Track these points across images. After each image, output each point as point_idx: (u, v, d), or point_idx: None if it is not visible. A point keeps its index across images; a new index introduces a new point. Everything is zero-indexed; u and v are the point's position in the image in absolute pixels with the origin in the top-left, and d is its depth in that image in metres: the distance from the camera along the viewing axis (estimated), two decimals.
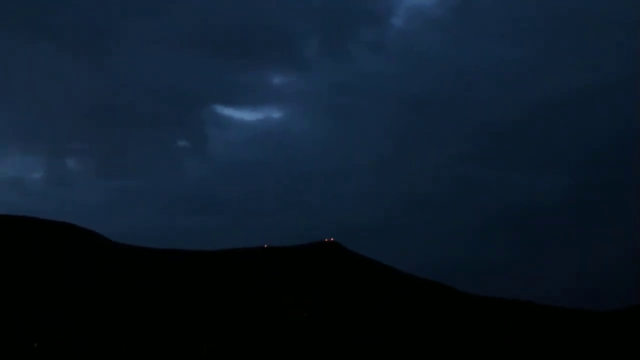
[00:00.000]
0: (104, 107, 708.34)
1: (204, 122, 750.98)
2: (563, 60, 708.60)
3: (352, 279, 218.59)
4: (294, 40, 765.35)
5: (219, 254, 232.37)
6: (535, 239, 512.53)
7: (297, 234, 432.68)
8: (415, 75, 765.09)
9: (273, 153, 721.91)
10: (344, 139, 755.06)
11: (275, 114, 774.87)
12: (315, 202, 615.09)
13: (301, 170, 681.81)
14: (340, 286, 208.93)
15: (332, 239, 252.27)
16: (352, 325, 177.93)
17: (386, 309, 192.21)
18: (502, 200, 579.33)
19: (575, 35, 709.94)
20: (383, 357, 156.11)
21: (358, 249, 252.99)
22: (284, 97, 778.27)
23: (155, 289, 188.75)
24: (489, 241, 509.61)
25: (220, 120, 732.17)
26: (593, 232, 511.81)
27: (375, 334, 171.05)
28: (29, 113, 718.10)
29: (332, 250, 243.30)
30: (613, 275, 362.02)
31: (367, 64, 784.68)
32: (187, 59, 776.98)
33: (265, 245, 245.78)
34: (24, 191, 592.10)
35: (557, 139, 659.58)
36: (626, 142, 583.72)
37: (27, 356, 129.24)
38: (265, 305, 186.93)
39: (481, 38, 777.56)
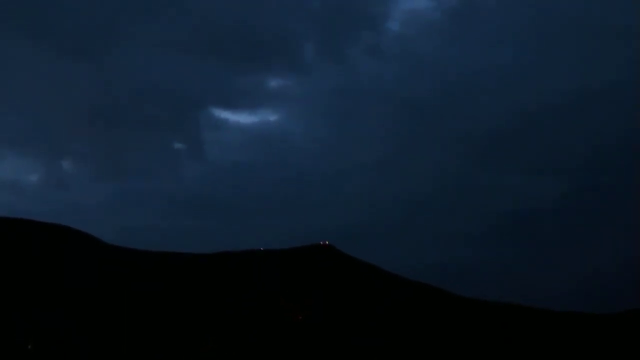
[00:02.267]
0: (101, 110, 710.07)
1: (201, 125, 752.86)
2: (562, 64, 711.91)
3: (346, 283, 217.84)
4: (292, 44, 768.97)
5: (215, 257, 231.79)
6: (534, 242, 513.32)
7: (294, 236, 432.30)
8: (412, 78, 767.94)
9: (270, 156, 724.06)
10: (340, 141, 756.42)
11: (272, 116, 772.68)
12: (312, 205, 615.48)
13: (298, 173, 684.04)
14: (335, 290, 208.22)
15: (327, 242, 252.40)
16: (347, 328, 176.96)
17: (380, 314, 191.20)
18: (501, 204, 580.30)
19: (573, 39, 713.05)
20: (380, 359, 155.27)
21: (356, 251, 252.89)
22: (281, 100, 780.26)
23: (153, 293, 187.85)
24: (489, 244, 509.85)
25: (217, 123, 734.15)
26: (593, 235, 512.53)
27: (370, 340, 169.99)
28: (26, 115, 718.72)
29: (327, 254, 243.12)
30: (612, 278, 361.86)
31: (364, 67, 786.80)
32: (184, 61, 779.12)
33: (262, 248, 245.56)
34: (21, 193, 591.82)
35: (557, 142, 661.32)
36: (625, 146, 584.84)
37: (26, 356, 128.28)
38: (264, 307, 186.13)
39: (478, 41, 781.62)
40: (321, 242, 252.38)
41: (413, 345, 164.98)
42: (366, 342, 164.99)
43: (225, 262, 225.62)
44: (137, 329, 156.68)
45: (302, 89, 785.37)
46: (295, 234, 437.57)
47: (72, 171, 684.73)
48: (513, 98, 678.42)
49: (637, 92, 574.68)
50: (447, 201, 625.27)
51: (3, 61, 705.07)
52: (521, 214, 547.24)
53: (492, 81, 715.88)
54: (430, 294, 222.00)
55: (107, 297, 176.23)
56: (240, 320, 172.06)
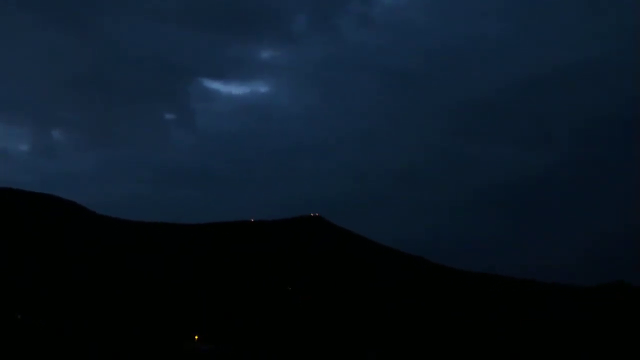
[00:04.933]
0: (91, 79, 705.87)
1: (192, 95, 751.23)
2: (551, 36, 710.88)
3: (335, 253, 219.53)
4: (283, 15, 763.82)
5: (206, 227, 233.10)
6: (522, 214, 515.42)
7: (282, 207, 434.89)
8: (401, 49, 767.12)
9: (260, 126, 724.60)
10: (330, 112, 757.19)
11: (263, 87, 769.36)
12: (302, 175, 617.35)
13: (287, 144, 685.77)
14: (323, 260, 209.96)
15: (316, 214, 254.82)
16: (336, 299, 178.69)
17: (367, 284, 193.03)
18: (489, 176, 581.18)
19: (562, 10, 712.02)
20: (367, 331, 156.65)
21: (343, 222, 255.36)
22: (272, 71, 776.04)
23: (142, 263, 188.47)
24: (476, 216, 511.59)
25: (207, 94, 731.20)
26: (580, 208, 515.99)
27: (357, 311, 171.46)
28: (15, 84, 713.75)
29: (316, 225, 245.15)
30: (599, 250, 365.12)
31: (354, 39, 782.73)
32: (175, 31, 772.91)
33: (252, 220, 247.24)
34: (10, 162, 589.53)
35: (545, 114, 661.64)
36: (616, 118, 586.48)
37: (16, 326, 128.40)
38: (253, 277, 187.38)
39: (468, 12, 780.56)
40: (311, 214, 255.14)
41: (400, 315, 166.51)
42: (353, 312, 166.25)
43: (216, 232, 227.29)
44: (126, 298, 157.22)
45: (292, 59, 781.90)
46: (284, 203, 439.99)
47: (61, 140, 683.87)
48: (502, 69, 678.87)
49: (628, 64, 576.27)
50: (435, 172, 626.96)
51: None
52: (510, 186, 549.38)
53: (482, 52, 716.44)
54: (416, 264, 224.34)
55: (97, 267, 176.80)
56: (231, 290, 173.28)
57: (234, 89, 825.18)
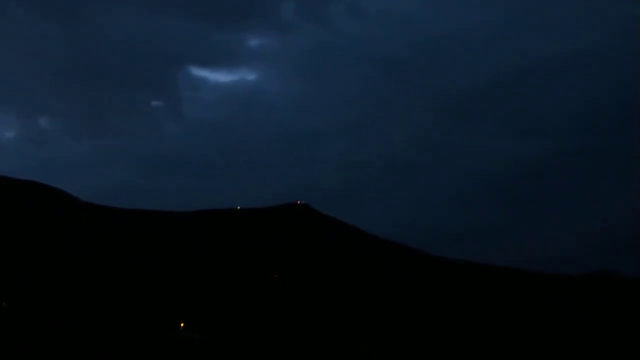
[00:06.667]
0: (78, 67, 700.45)
1: (180, 83, 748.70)
2: (542, 25, 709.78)
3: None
4: (271, 3, 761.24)
5: (193, 215, 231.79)
6: (516, 204, 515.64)
7: (270, 195, 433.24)
8: (391, 38, 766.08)
9: (247, 115, 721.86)
10: (319, 101, 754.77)
11: (251, 75, 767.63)
12: (290, 164, 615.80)
13: (276, 132, 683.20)
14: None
15: (302, 202, 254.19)
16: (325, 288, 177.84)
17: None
18: (480, 166, 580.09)
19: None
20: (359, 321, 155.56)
21: (331, 212, 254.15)
22: (260, 59, 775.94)
23: (131, 250, 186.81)
24: (467, 206, 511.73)
25: (195, 82, 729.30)
26: (575, 197, 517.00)
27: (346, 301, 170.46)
28: (1, 72, 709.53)
29: (302, 212, 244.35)
30: (592, 240, 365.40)
31: (344, 27, 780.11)
32: (163, 19, 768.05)
33: (239, 207, 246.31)
34: None
35: (537, 105, 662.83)
36: (608, 107, 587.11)
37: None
38: (241, 265, 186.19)
39: (458, 1, 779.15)
40: (298, 202, 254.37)
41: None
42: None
43: (203, 220, 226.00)
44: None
45: (280, 48, 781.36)
46: (273, 192, 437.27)
47: (49, 128, 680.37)
48: (494, 58, 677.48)
49: (621, 53, 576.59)
50: (427, 162, 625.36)
51: None
52: (503, 176, 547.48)
53: (473, 41, 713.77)
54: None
55: (84, 254, 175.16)
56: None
57: (222, 77, 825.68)
